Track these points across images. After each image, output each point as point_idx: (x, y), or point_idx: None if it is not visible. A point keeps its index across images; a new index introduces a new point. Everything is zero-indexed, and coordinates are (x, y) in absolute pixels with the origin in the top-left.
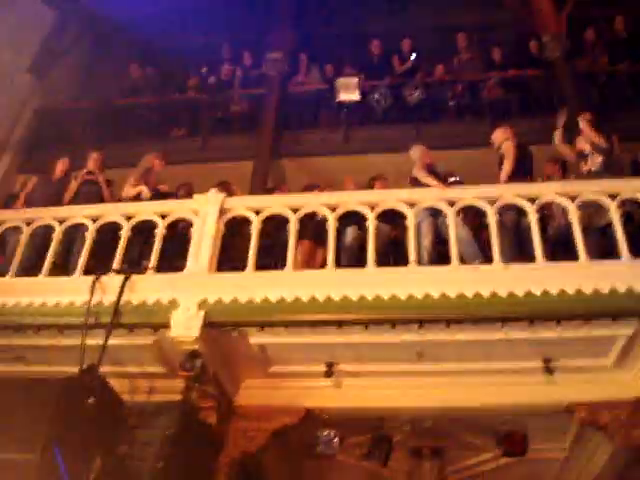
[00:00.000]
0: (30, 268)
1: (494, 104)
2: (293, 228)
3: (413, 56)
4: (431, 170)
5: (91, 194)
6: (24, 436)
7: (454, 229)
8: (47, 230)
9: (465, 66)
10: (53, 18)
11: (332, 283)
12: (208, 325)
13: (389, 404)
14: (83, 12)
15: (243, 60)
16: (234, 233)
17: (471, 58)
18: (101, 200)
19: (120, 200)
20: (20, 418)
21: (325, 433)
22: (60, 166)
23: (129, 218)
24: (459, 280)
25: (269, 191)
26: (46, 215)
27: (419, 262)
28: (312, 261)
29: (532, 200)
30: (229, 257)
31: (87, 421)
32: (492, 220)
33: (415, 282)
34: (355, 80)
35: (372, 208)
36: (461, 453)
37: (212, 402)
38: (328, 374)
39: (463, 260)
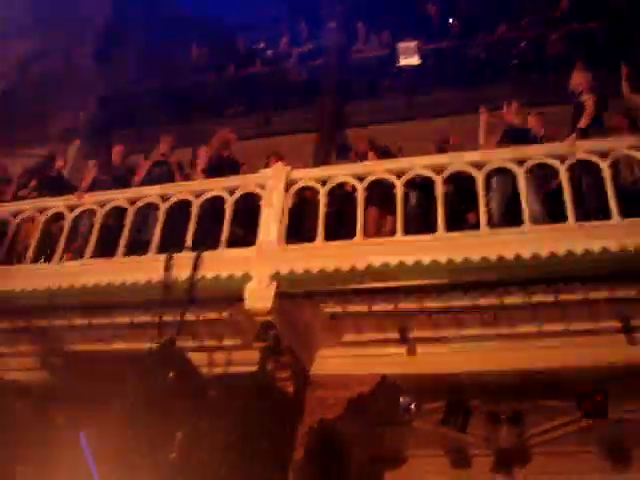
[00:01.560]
0: (104, 249)
1: (558, 59)
2: (360, 196)
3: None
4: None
5: (162, 175)
6: (108, 411)
7: (525, 189)
8: (117, 212)
9: (527, 23)
10: (110, 5)
11: (403, 249)
12: (281, 296)
13: (465, 369)
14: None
15: (300, 33)
16: (302, 204)
17: (533, 13)
18: (172, 181)
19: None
20: (103, 394)
21: (401, 400)
22: (117, 152)
23: (198, 196)
24: (533, 240)
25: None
26: (119, 197)
27: (490, 224)
28: (380, 228)
29: (604, 155)
30: (298, 228)
31: (168, 395)
32: (564, 178)
33: (488, 244)
34: (414, 44)
35: (439, 172)
36: (540, 417)
37: (288, 372)
38: (402, 341)
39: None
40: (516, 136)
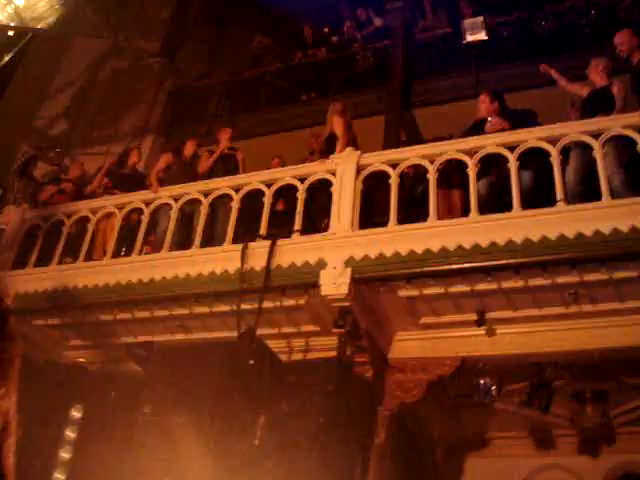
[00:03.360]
0: (181, 242)
1: (632, 25)
2: (432, 178)
3: None
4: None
5: (228, 168)
6: (192, 399)
7: (602, 162)
8: (190, 204)
9: None
10: (174, 1)
11: (477, 230)
12: (356, 282)
13: (546, 349)
14: None
15: (361, 15)
16: (373, 187)
17: None
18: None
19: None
20: (187, 383)
21: (482, 382)
22: (189, 147)
23: (269, 185)
24: (611, 215)
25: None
26: (192, 190)
27: (567, 200)
28: (452, 209)
29: None
30: (371, 212)
31: (249, 382)
32: None
33: (565, 221)
34: (481, 19)
35: (512, 150)
36: (624, 395)
37: (366, 357)
38: (480, 322)
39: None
40: (599, 100)
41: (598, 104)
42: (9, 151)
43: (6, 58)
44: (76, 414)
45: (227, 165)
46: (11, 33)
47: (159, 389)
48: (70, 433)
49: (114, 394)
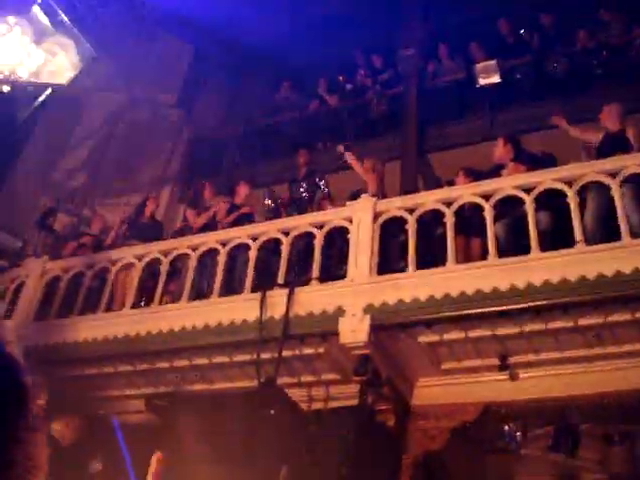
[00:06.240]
0: (199, 291)
1: None
2: (450, 222)
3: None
4: None
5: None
6: (212, 449)
7: (621, 202)
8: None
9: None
10: (191, 52)
11: (496, 273)
12: (376, 328)
13: (570, 392)
14: (219, 43)
15: (376, 63)
16: (388, 234)
17: (612, 19)
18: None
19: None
20: (207, 433)
21: (506, 427)
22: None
23: (286, 233)
24: (632, 255)
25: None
26: (210, 239)
27: (586, 241)
28: (470, 253)
29: None
30: (387, 258)
31: (270, 431)
32: None
33: (585, 262)
34: (494, 63)
35: (528, 192)
36: None
37: (388, 404)
38: (503, 367)
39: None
40: (615, 144)
41: (613, 148)
42: (29, 204)
43: (26, 113)
44: (97, 466)
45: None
46: (31, 88)
47: (179, 440)
48: None
49: (134, 445)
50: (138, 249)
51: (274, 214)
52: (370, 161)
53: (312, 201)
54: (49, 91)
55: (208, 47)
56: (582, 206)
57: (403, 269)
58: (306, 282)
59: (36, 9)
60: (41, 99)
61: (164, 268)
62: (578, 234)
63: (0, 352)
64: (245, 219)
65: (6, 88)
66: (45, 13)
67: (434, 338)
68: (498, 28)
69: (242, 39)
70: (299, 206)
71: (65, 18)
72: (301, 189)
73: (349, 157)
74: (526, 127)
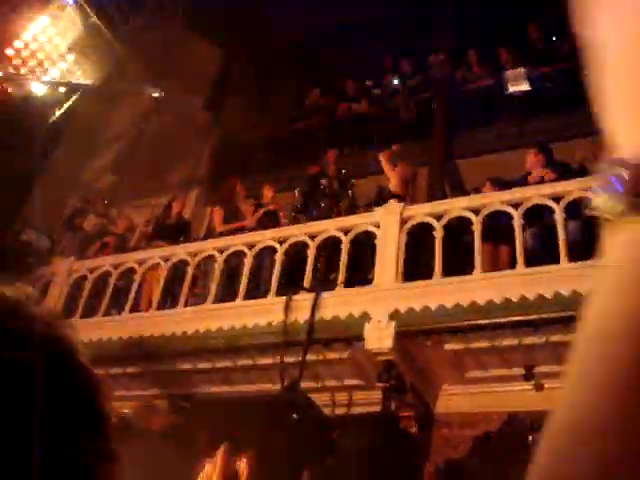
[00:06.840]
0: (225, 294)
1: None
2: (477, 230)
3: None
4: None
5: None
6: (235, 452)
7: None
8: (234, 257)
9: None
10: (220, 55)
11: (524, 282)
12: (401, 335)
13: None
14: (247, 46)
15: (405, 67)
16: (416, 240)
17: None
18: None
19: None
20: (228, 436)
21: (530, 437)
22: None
23: (313, 237)
24: None
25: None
26: (237, 242)
27: None
28: (496, 261)
29: None
30: (415, 264)
31: (293, 436)
32: None
33: None
34: (523, 70)
35: (558, 201)
36: None
37: (412, 411)
38: (528, 377)
39: None
40: None
41: None
42: (58, 204)
43: (57, 114)
44: None
45: (269, 220)
46: (62, 89)
47: (200, 441)
48: None
49: (156, 447)
50: (165, 250)
51: (303, 212)
52: (402, 165)
53: (338, 199)
54: (79, 93)
55: (238, 50)
56: None
57: (431, 274)
58: (331, 286)
59: (69, 11)
60: (71, 101)
61: (190, 269)
62: None
63: (75, 367)
64: (271, 217)
65: (38, 89)
66: (77, 15)
67: (459, 346)
68: (528, 34)
69: (271, 42)
70: (327, 203)
71: (97, 21)
72: (326, 187)
73: (382, 157)
74: (555, 136)
